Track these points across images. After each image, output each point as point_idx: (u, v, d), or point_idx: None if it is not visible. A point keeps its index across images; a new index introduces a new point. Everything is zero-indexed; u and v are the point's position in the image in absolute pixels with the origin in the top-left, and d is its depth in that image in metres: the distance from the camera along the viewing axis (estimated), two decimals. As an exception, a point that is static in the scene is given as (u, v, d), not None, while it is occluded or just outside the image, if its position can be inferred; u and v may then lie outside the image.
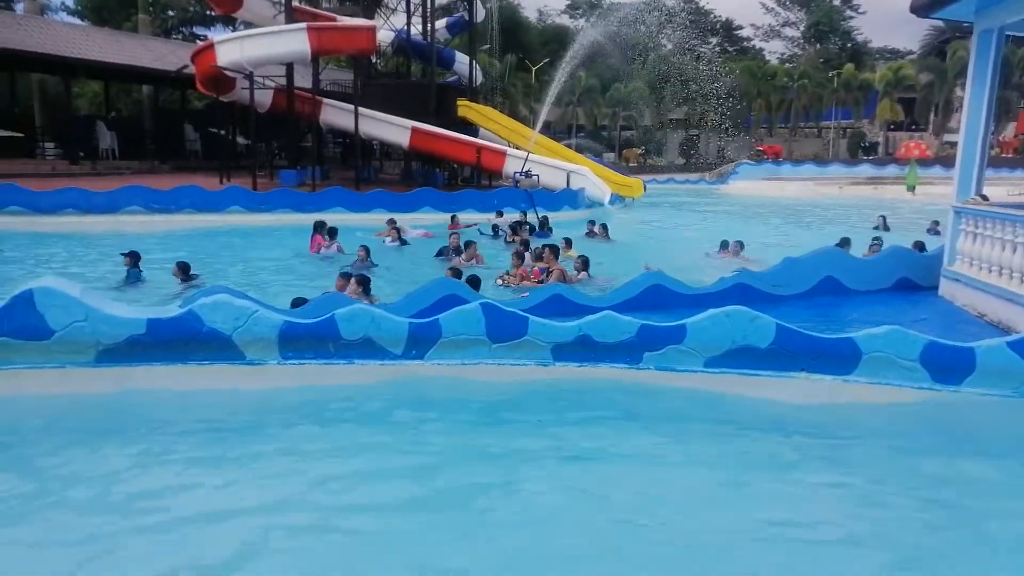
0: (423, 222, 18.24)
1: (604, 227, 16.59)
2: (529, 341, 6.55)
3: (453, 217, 18.40)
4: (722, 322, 6.44)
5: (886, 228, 17.26)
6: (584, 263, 11.46)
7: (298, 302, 7.83)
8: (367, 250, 12.57)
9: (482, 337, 6.54)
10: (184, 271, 11.24)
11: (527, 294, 8.72)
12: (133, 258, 11.46)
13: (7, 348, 6.06)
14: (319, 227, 14.52)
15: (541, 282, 10.47)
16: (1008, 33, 9.38)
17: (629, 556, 4.13)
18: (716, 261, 13.45)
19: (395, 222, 16.22)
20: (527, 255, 11.95)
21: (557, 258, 11.57)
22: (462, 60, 31.45)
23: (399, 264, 13.37)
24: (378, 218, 17.24)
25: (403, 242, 15.36)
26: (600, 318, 6.57)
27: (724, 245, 14.10)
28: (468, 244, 13.27)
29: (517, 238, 14.90)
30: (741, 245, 13.90)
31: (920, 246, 11.53)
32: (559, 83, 26.64)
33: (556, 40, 49.44)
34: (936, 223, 16.21)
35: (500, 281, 11.09)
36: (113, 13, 40.96)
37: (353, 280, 9.34)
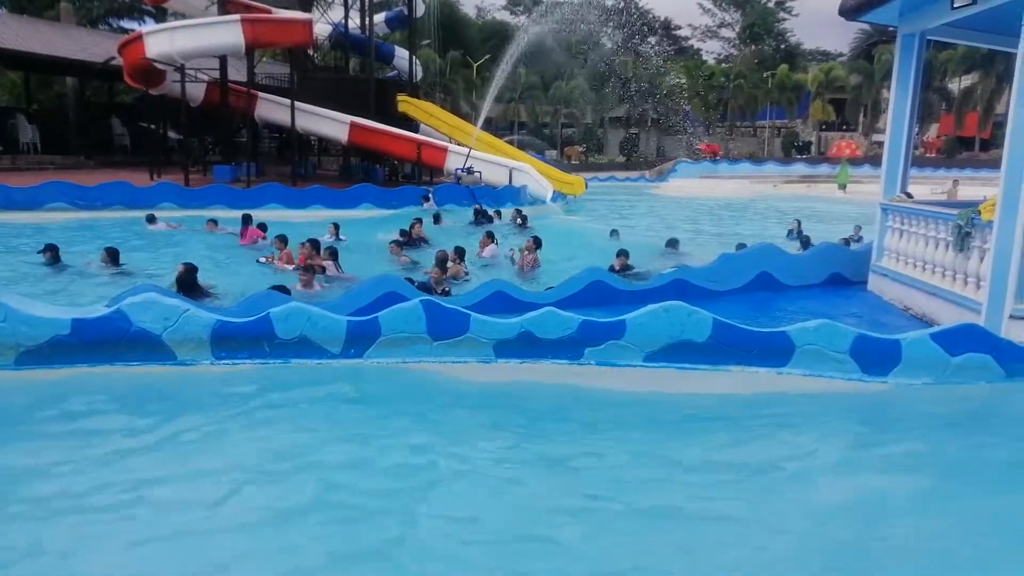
0: (359, 217, 17.85)
1: (524, 217, 17.05)
2: (471, 338, 6.50)
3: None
4: (661, 317, 6.51)
5: (800, 231, 16.43)
6: (333, 255, 11.21)
7: (279, 290, 7.80)
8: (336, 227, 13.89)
9: (423, 334, 6.47)
10: (113, 258, 11.00)
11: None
12: (53, 252, 11.12)
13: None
14: (246, 220, 14.51)
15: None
16: (929, 38, 9.73)
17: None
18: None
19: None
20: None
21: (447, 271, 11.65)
22: (402, 55, 31.10)
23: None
24: (315, 215, 16.85)
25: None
26: (541, 314, 6.57)
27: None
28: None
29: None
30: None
31: (847, 242, 11.77)
32: (500, 80, 26.58)
33: (497, 36, 49.29)
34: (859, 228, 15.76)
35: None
36: (32, 1, 39.01)
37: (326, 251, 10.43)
